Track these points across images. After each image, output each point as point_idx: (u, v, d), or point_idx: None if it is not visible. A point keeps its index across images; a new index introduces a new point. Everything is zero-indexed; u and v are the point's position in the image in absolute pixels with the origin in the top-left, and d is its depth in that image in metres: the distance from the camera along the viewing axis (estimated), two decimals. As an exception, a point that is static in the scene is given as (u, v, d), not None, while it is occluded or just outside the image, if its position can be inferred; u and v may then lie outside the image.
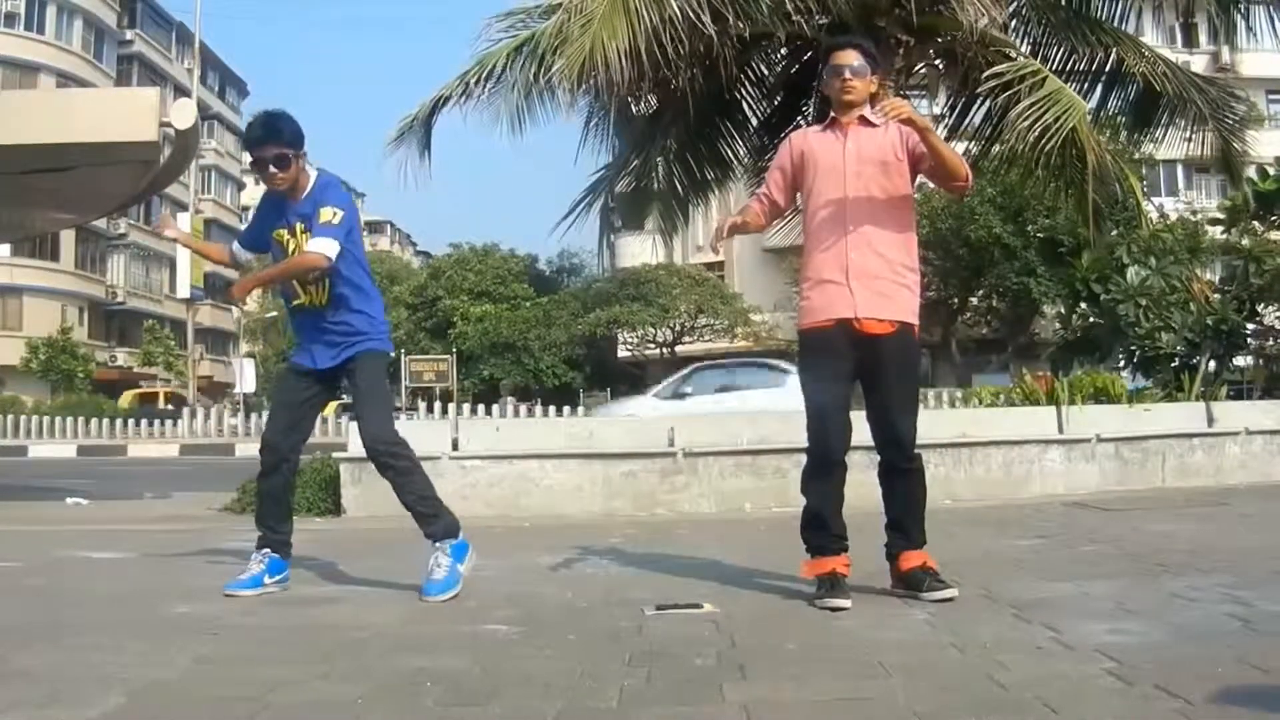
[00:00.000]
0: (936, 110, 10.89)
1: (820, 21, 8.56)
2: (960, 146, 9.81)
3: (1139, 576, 3.93)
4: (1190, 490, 7.17)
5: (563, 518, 6.54)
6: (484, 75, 9.57)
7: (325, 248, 3.83)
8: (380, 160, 9.95)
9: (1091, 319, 12.92)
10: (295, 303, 4.03)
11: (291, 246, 3.98)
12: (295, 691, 2.59)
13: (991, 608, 3.41)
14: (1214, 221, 16.34)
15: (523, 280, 43.14)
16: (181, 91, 39.71)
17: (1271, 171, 12.85)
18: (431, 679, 2.65)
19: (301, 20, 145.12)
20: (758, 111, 10.66)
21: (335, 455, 7.06)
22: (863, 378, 3.66)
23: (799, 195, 3.81)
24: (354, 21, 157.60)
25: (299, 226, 3.96)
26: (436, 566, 3.82)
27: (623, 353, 36.56)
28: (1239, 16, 9.89)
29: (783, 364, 18.83)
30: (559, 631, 3.22)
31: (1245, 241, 13.33)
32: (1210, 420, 7.96)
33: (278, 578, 3.99)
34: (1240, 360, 13.40)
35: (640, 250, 32.37)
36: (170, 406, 30.68)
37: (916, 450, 3.69)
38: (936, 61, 9.80)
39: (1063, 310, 15.76)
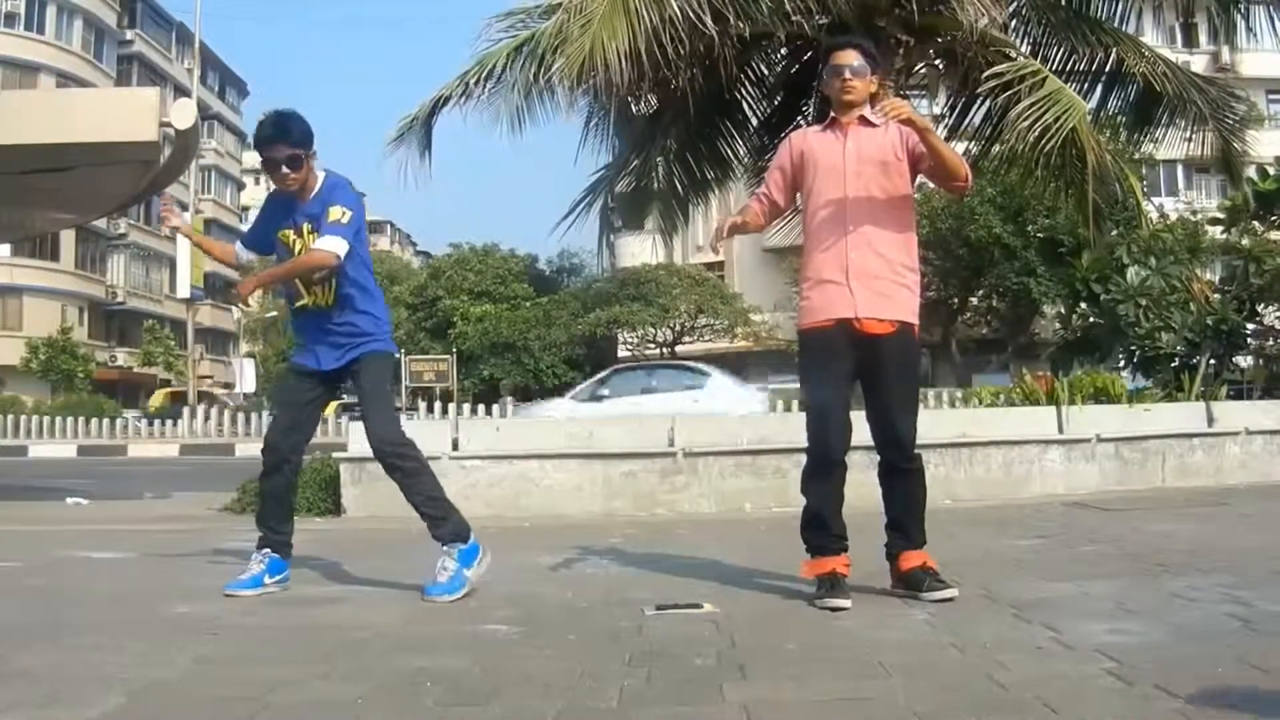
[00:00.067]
0: (936, 110, 10.89)
1: (820, 21, 8.57)
2: (960, 146, 9.81)
3: (1139, 576, 3.93)
4: (1190, 490, 7.16)
5: (563, 518, 6.54)
6: (484, 75, 9.57)
7: (335, 246, 3.82)
8: (380, 160, 9.97)
9: (1091, 319, 12.93)
10: (299, 304, 4.00)
11: (298, 247, 3.97)
12: (295, 691, 2.59)
13: (991, 608, 3.41)
14: (1214, 221, 16.34)
15: (523, 280, 43.10)
16: (181, 91, 39.71)
17: (1271, 171, 12.86)
18: (431, 679, 2.65)
19: (301, 20, 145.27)
20: (758, 111, 10.66)
21: (335, 455, 7.06)
22: (863, 378, 3.66)
23: (799, 195, 3.81)
24: (354, 21, 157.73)
25: (306, 227, 3.94)
26: (442, 570, 3.81)
27: (623, 353, 36.52)
28: (1239, 16, 9.90)
29: (703, 366, 18.97)
30: (559, 631, 3.22)
31: (1245, 241, 13.34)
32: (1210, 420, 7.96)
33: (278, 578, 3.99)
34: (1240, 360, 13.40)
35: (640, 250, 32.34)
36: (202, 405, 30.76)
37: (916, 450, 3.69)
38: (936, 61, 9.80)
39: (1063, 310, 15.77)
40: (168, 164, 7.71)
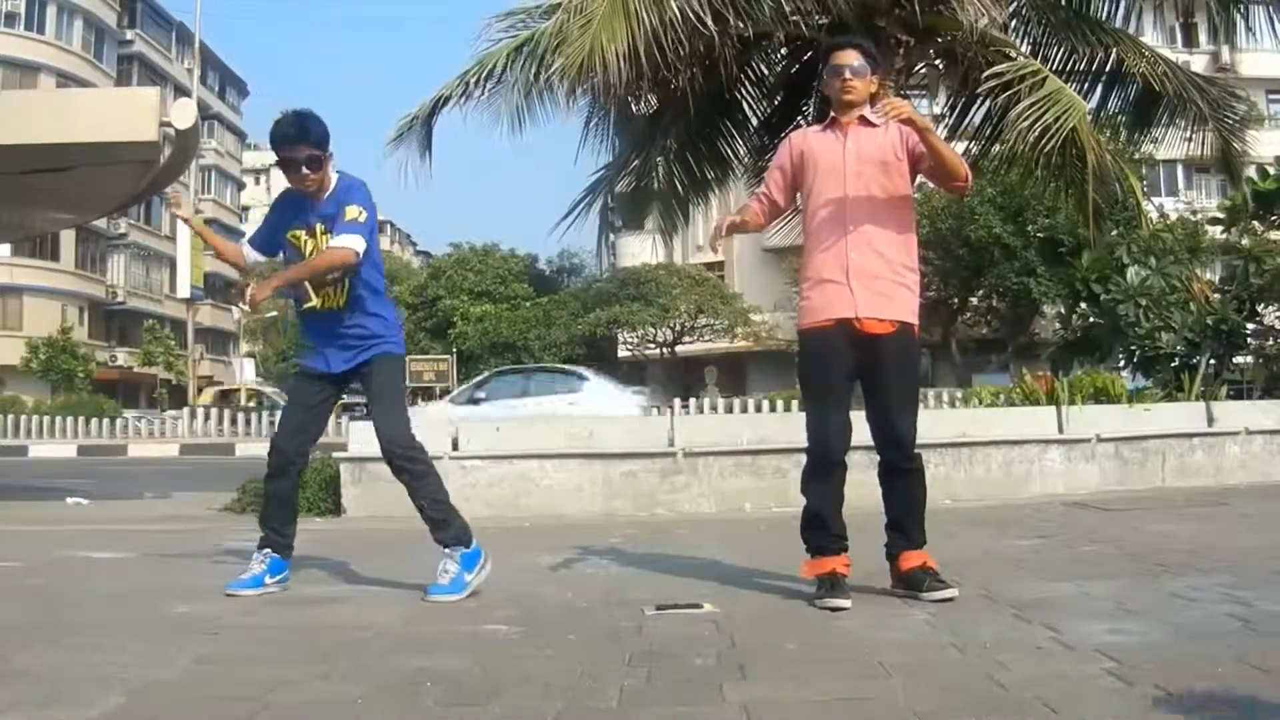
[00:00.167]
0: (936, 110, 10.89)
1: (820, 21, 8.57)
2: (960, 146, 9.81)
3: (1139, 576, 3.94)
4: (1190, 490, 7.17)
5: (563, 518, 6.54)
6: (484, 75, 9.56)
7: (354, 243, 3.80)
8: (380, 160, 9.96)
9: (1091, 319, 12.91)
10: (307, 305, 3.94)
11: (309, 248, 3.95)
12: (295, 691, 2.59)
13: (991, 608, 3.41)
14: (1214, 221, 16.32)
15: (523, 280, 43.09)
16: (181, 91, 39.74)
17: (1271, 171, 12.84)
18: (431, 679, 2.66)
19: (301, 20, 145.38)
20: (758, 111, 10.65)
21: (335, 455, 7.05)
22: (863, 378, 3.66)
23: (799, 195, 3.81)
24: (354, 21, 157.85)
25: (319, 227, 3.93)
26: (444, 572, 3.82)
27: (623, 353, 36.55)
28: (1239, 16, 9.89)
29: (581, 370, 19.33)
30: (559, 631, 3.22)
31: (1245, 241, 13.31)
32: (1210, 420, 7.96)
33: (278, 578, 3.99)
34: (1240, 360, 13.39)
35: (640, 250, 32.38)
36: (252, 403, 30.73)
37: (916, 450, 3.69)
38: (936, 61, 9.79)
39: (1063, 310, 15.74)
40: (168, 164, 7.71)
